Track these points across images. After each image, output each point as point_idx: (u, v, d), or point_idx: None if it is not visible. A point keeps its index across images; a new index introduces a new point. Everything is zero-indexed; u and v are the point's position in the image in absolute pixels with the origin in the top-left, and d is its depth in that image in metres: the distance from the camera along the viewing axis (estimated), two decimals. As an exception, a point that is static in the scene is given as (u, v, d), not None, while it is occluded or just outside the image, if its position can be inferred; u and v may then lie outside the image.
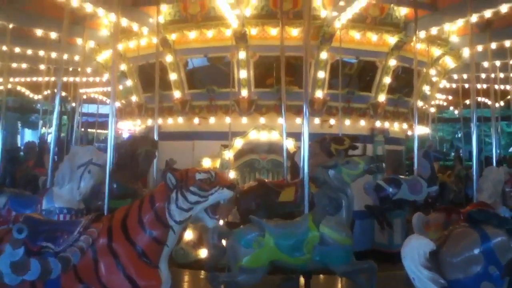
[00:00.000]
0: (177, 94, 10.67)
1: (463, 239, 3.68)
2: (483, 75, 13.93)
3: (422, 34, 10.27)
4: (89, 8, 9.08)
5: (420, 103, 12.07)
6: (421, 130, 13.04)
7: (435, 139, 17.00)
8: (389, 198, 8.38)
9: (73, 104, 19.27)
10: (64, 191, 5.46)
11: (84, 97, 18.20)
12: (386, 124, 11.36)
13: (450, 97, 19.64)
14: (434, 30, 10.36)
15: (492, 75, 12.22)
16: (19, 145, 26.94)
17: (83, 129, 18.42)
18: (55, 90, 7.72)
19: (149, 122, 11.17)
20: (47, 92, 15.51)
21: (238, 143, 9.77)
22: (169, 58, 10.52)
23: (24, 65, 14.31)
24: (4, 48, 10.76)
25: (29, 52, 12.56)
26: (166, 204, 3.70)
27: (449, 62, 12.80)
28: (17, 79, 17.23)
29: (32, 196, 5.90)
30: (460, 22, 9.81)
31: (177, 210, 3.68)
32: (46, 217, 4.52)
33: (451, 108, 22.92)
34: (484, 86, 14.83)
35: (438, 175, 10.25)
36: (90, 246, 3.67)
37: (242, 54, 10.07)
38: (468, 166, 13.15)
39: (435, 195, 9.22)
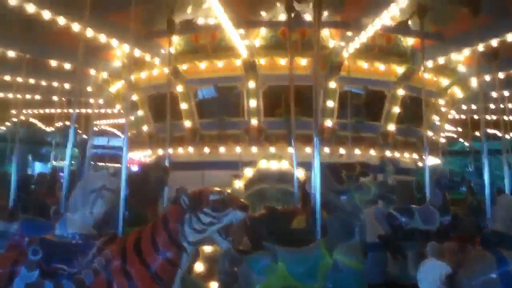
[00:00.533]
0: (187, 123, 10.80)
1: (479, 262, 3.64)
2: (492, 106, 13.93)
3: (429, 63, 10.39)
4: (103, 39, 9.31)
5: (430, 133, 12.07)
6: (432, 160, 12.98)
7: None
8: (402, 227, 8.25)
9: (84, 136, 19.52)
10: (77, 217, 5.44)
11: (95, 129, 18.41)
12: (396, 154, 11.34)
13: (459, 129, 19.62)
14: (441, 60, 10.50)
15: (501, 106, 12.24)
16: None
17: (93, 163, 18.56)
18: (67, 122, 7.87)
19: (160, 152, 11.25)
20: (59, 124, 15.76)
21: (249, 172, 9.78)
22: (179, 88, 10.72)
23: (37, 97, 14.58)
24: (20, 79, 11.00)
25: (43, 83, 12.83)
26: (179, 226, 3.69)
27: (458, 92, 12.85)
28: (30, 111, 17.54)
29: (45, 222, 5.91)
30: (466, 52, 9.93)
31: (191, 231, 3.67)
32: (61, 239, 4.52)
33: (461, 140, 22.85)
34: (494, 117, 14.83)
35: (450, 208, 10.11)
36: (104, 267, 3.67)
37: (251, 84, 10.24)
38: (480, 199, 12.98)
39: (448, 224, 9.07)
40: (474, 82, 12.05)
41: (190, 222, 3.67)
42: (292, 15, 9.02)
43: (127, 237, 3.91)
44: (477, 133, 16.98)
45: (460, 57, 11.31)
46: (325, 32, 9.99)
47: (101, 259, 3.68)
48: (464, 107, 15.06)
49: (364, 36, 9.16)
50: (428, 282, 3.53)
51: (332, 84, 10.33)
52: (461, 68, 11.75)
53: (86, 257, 3.71)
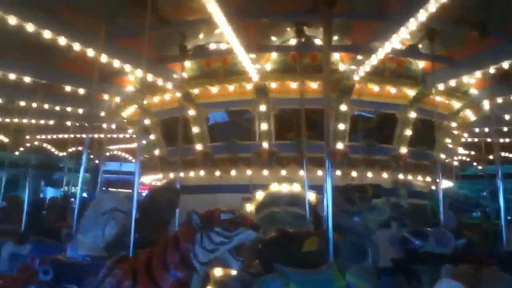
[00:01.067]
0: (199, 147, 10.85)
1: (496, 283, 3.55)
2: (505, 128, 13.80)
3: (440, 86, 10.37)
4: (117, 64, 9.48)
5: (442, 156, 11.97)
6: (445, 184, 12.83)
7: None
8: (416, 251, 8.10)
9: (96, 161, 19.69)
10: (88, 238, 5.46)
11: (107, 154, 18.57)
12: (409, 177, 11.23)
13: (472, 152, 19.44)
14: (452, 83, 10.47)
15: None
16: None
17: (104, 188, 18.66)
18: (80, 148, 7.95)
19: (171, 175, 11.28)
20: (72, 150, 15.93)
21: (260, 195, 9.74)
22: (191, 112, 10.81)
23: (51, 122, 14.79)
24: (34, 104, 11.20)
25: (57, 108, 13.04)
26: (190, 245, 3.67)
27: (470, 115, 12.78)
28: (43, 136, 17.76)
29: (56, 244, 5.92)
30: (478, 74, 9.91)
31: (202, 251, 3.65)
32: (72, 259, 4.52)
33: (474, 163, 22.60)
34: (507, 140, 14.71)
35: (464, 232, 9.94)
36: (115, 288, 3.63)
37: (262, 107, 10.31)
38: (495, 223, 12.76)
39: (462, 248, 8.89)
40: (486, 104, 12.00)
41: (201, 242, 3.66)
42: (302, 39, 9.18)
43: (138, 257, 3.89)
44: (491, 157, 16.82)
45: (472, 80, 11.28)
46: (336, 56, 10.05)
47: (111, 280, 3.66)
48: (476, 130, 14.94)
49: (374, 60, 9.18)
50: (443, 304, 3.43)
51: (343, 107, 10.35)
52: (473, 91, 11.70)
53: (96, 277, 3.69)
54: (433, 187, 12.43)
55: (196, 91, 10.73)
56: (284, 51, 10.21)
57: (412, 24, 7.43)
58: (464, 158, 20.10)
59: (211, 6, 6.97)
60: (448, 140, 12.76)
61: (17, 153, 19.27)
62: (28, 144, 14.07)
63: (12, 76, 10.31)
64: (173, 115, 10.89)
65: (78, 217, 6.80)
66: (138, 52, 8.27)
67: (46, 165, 29.85)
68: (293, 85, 10.16)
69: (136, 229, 5.64)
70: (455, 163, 14.97)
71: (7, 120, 13.72)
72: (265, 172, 10.26)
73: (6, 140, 15.02)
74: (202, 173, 10.84)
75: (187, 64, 10.36)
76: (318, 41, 9.72)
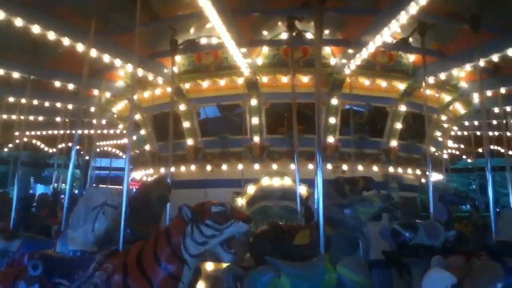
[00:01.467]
0: (190, 142, 10.82)
1: (486, 271, 3.58)
2: (494, 122, 13.89)
3: (431, 80, 10.41)
4: (106, 59, 9.40)
5: (433, 149, 12.05)
6: (435, 177, 12.92)
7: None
8: (406, 243, 8.15)
9: (87, 158, 19.58)
10: (78, 234, 5.41)
11: (97, 150, 18.44)
12: (400, 170, 11.30)
13: (462, 146, 19.58)
14: (442, 76, 10.53)
15: (504, 122, 12.23)
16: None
17: (94, 185, 18.53)
18: (70, 144, 7.87)
19: (162, 170, 11.24)
20: (62, 146, 15.80)
21: (251, 189, 9.76)
22: (182, 107, 10.78)
23: (40, 118, 14.65)
24: (23, 100, 11.07)
25: (47, 104, 12.92)
26: (181, 238, 3.67)
27: (460, 108, 12.86)
28: (33, 133, 17.61)
29: (46, 240, 5.88)
30: (468, 67, 9.96)
31: (193, 244, 3.65)
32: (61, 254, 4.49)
33: (464, 157, 22.78)
34: (496, 133, 14.81)
35: (454, 224, 10.02)
36: (105, 282, 3.62)
37: (254, 102, 10.30)
38: (485, 215, 12.87)
39: (453, 240, 8.96)
40: (476, 98, 12.09)
41: (192, 235, 3.65)
42: (294, 33, 9.17)
43: (129, 251, 3.87)
44: (480, 150, 16.96)
45: (462, 73, 11.35)
46: (327, 50, 10.06)
47: (102, 273, 3.64)
48: (466, 123, 15.03)
49: (365, 53, 9.20)
50: (433, 293, 3.46)
51: (334, 101, 10.37)
52: (463, 84, 11.77)
53: (86, 271, 3.66)
54: (423, 180, 12.54)
55: (187, 85, 10.70)
56: (276, 45, 10.20)
57: (403, 17, 7.45)
58: (454, 151, 20.23)
59: (202, 1, 6.92)
60: (438, 134, 12.85)
61: (6, 149, 19.14)
62: (17, 141, 13.92)
63: (0, 72, 10.18)
64: (164, 110, 10.86)
65: (68, 212, 6.76)
66: (128, 47, 8.22)
67: (36, 161, 29.69)
68: (285, 79, 10.17)
69: (126, 224, 5.62)
70: (445, 156, 15.07)
71: (-4, 116, 13.57)
72: (257, 166, 10.26)
73: (-5, 136, 14.86)
74: (193, 168, 10.82)
75: (178, 58, 10.31)
76: (309, 35, 9.72)
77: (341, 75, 10.07)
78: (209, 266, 7.53)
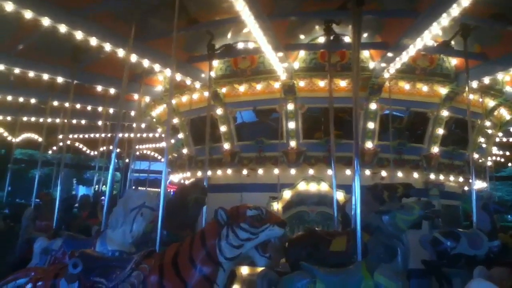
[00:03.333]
0: (226, 146, 10.88)
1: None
2: (542, 128, 13.30)
3: (474, 84, 10.09)
4: (146, 63, 9.60)
5: (476, 156, 11.64)
6: (479, 184, 12.47)
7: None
8: (447, 252, 7.90)
9: (126, 160, 20.05)
10: (117, 234, 5.54)
11: (137, 153, 18.83)
12: (441, 177, 10.97)
13: (507, 153, 18.86)
14: (486, 80, 10.16)
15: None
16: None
17: (134, 187, 18.92)
18: (111, 147, 8.06)
19: (199, 174, 11.35)
20: (103, 149, 16.23)
21: (287, 194, 9.71)
22: (219, 111, 10.86)
23: (83, 122, 15.13)
24: (67, 104, 11.45)
25: (89, 108, 13.33)
26: (216, 241, 3.67)
27: (505, 114, 12.38)
28: (75, 136, 18.18)
29: (87, 239, 6.03)
30: (513, 71, 9.59)
31: (228, 247, 3.64)
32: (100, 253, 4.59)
33: (510, 164, 21.90)
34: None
35: (499, 235, 9.63)
36: (142, 282, 3.67)
37: (290, 106, 10.26)
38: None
39: (496, 250, 8.60)
40: (522, 103, 11.63)
41: (227, 238, 3.65)
42: (331, 37, 9.09)
43: (165, 252, 3.90)
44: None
45: (507, 77, 10.94)
46: (365, 54, 9.90)
47: (138, 274, 3.69)
48: (512, 129, 14.47)
49: (405, 57, 8.99)
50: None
51: (373, 106, 10.19)
52: (508, 89, 11.32)
53: (124, 271, 3.72)
54: (466, 188, 12.12)
55: (223, 90, 10.78)
56: (313, 49, 10.13)
57: (445, 19, 7.24)
58: (498, 158, 19.48)
59: (239, 5, 6.97)
60: (481, 140, 12.39)
61: (50, 152, 19.82)
62: (61, 143, 14.39)
63: (45, 77, 10.57)
64: (201, 114, 10.97)
65: (107, 213, 6.92)
66: (167, 52, 8.37)
67: (78, 164, 30.64)
68: (322, 83, 10.09)
69: (163, 226, 5.70)
70: (489, 163, 14.52)
71: (41, 120, 14.09)
72: (293, 171, 10.20)
73: (40, 139, 15.41)
74: (229, 171, 10.87)
75: (215, 63, 10.40)
76: (347, 39, 9.60)
77: (380, 79, 9.88)
78: (245, 270, 7.53)
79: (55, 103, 12.71)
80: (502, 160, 20.12)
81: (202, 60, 10.23)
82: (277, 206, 9.42)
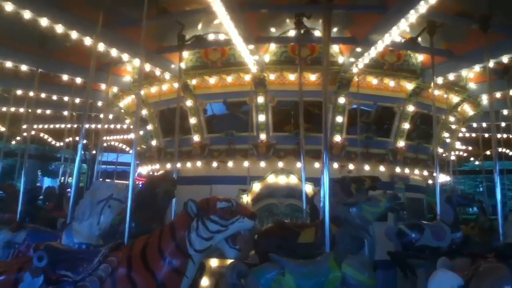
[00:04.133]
0: (196, 138, 10.82)
1: (492, 274, 3.54)
2: (503, 124, 13.74)
3: (439, 80, 10.34)
4: (114, 53, 9.41)
5: (440, 150, 11.96)
6: (443, 178, 12.83)
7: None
8: (412, 244, 8.12)
9: (93, 152, 19.65)
10: (83, 227, 5.44)
11: (104, 145, 18.48)
12: (406, 171, 11.24)
13: (470, 148, 19.46)
14: (451, 76, 10.44)
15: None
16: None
17: (101, 179, 18.57)
18: (77, 138, 7.88)
19: (168, 166, 11.25)
20: (69, 140, 15.86)
21: (256, 187, 9.74)
22: (189, 103, 10.76)
23: (48, 111, 14.72)
24: (31, 93, 11.11)
25: (54, 97, 12.97)
26: (186, 233, 3.66)
27: (468, 110, 12.76)
28: (40, 126, 17.69)
29: (51, 232, 5.91)
30: (477, 68, 9.87)
31: (198, 239, 3.64)
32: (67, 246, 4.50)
33: (472, 159, 22.62)
34: (505, 135, 14.68)
35: (461, 227, 9.96)
36: (110, 275, 3.62)
37: (260, 99, 10.27)
38: (492, 218, 12.77)
39: (459, 242, 8.90)
40: (485, 99, 12.00)
41: (197, 230, 3.65)
42: (302, 31, 9.14)
43: (134, 245, 3.87)
44: (488, 152, 16.83)
45: (471, 74, 11.27)
46: (335, 48, 10.00)
47: (106, 266, 3.64)
48: (474, 125, 14.92)
49: (374, 52, 9.12)
50: (439, 295, 3.42)
51: (342, 100, 10.32)
52: (472, 85, 11.67)
53: (91, 264, 3.66)
54: (430, 181, 12.47)
55: (194, 81, 10.68)
56: (283, 42, 10.16)
57: (412, 16, 7.39)
58: (461, 153, 20.10)
59: (211, -4, 6.90)
60: (446, 135, 12.75)
61: (13, 142, 19.24)
62: (25, 134, 13.98)
63: (9, 65, 10.23)
64: (170, 105, 10.86)
65: (74, 205, 6.78)
66: (136, 42, 8.21)
67: (43, 155, 29.83)
68: (292, 77, 10.12)
69: (132, 218, 5.63)
70: (453, 158, 14.96)
71: (4, 109, 13.64)
72: (263, 164, 10.24)
73: (2, 129, 14.92)
74: (199, 164, 10.81)
75: (185, 54, 10.29)
76: (317, 33, 9.67)
77: (348, 73, 10.02)
78: (214, 262, 7.54)
79: (19, 92, 12.32)
80: (465, 154, 20.77)
81: (172, 50, 10.08)
82: (246, 199, 9.45)
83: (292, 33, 9.83)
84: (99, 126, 14.72)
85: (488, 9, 7.81)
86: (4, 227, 7.11)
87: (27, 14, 7.59)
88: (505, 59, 9.03)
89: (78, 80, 11.38)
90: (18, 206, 8.74)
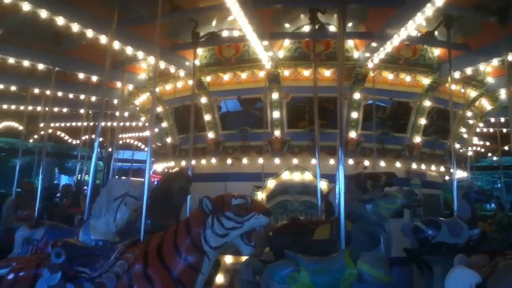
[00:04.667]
0: (210, 135, 10.84)
1: (510, 271, 3.47)
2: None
3: (456, 75, 10.19)
4: (129, 50, 9.47)
5: (457, 146, 11.80)
6: (460, 174, 12.66)
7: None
8: (428, 240, 8.04)
9: (109, 150, 19.84)
10: (100, 223, 5.50)
11: (120, 142, 18.62)
12: (423, 167, 11.11)
13: (487, 143, 19.18)
14: (468, 71, 10.27)
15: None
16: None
17: (117, 177, 18.72)
18: (93, 136, 7.96)
19: (183, 163, 11.30)
20: (85, 137, 16.03)
21: (271, 183, 9.72)
22: (203, 100, 10.79)
23: (64, 110, 14.89)
24: (48, 92, 11.24)
25: (71, 96, 13.12)
26: (201, 230, 3.67)
27: (486, 104, 12.56)
28: (57, 124, 17.91)
29: (69, 229, 5.97)
30: (495, 62, 9.69)
31: (213, 236, 3.64)
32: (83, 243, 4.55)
33: (489, 154, 22.29)
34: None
35: (478, 223, 9.83)
36: (126, 271, 3.65)
37: (275, 95, 10.24)
38: (511, 214, 12.58)
39: (476, 238, 8.78)
40: (503, 94, 11.79)
41: (212, 227, 3.65)
42: (316, 26, 9.07)
43: (149, 241, 3.89)
44: (506, 148, 16.57)
45: (488, 68, 11.07)
46: (350, 43, 9.91)
47: (123, 263, 3.67)
48: (492, 120, 14.68)
49: (389, 47, 9.01)
50: (456, 291, 3.37)
51: (357, 96, 10.24)
52: (490, 80, 11.47)
53: (108, 260, 3.70)
54: (447, 178, 12.31)
55: (208, 78, 10.70)
56: (298, 38, 10.09)
57: (429, 9, 7.26)
58: (479, 148, 19.81)
59: (225, -8, 6.89)
60: (463, 130, 12.57)
61: (31, 140, 19.51)
62: (42, 132, 14.15)
63: (26, 63, 10.36)
64: (185, 103, 10.90)
65: (90, 203, 6.85)
66: (150, 39, 8.25)
67: (60, 153, 30.23)
68: (306, 72, 10.07)
69: (147, 215, 5.66)
70: (470, 153, 14.75)
71: (22, 107, 13.84)
72: (277, 161, 10.23)
73: (20, 127, 15.14)
74: (213, 161, 10.84)
75: (200, 51, 10.31)
76: (332, 28, 9.59)
77: (364, 69, 9.92)
78: (229, 259, 7.55)
79: (36, 90, 12.49)
80: (483, 150, 20.47)
81: (186, 48, 10.10)
82: (261, 195, 9.43)
83: (306, 28, 9.77)
84: (115, 124, 14.82)
85: (507, 1, 7.65)
86: (23, 224, 7.24)
87: (43, 13, 7.69)
88: (524, 52, 8.83)
89: (94, 78, 11.50)
90: (36, 203, 8.86)
